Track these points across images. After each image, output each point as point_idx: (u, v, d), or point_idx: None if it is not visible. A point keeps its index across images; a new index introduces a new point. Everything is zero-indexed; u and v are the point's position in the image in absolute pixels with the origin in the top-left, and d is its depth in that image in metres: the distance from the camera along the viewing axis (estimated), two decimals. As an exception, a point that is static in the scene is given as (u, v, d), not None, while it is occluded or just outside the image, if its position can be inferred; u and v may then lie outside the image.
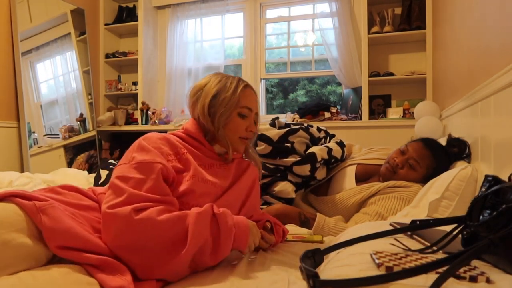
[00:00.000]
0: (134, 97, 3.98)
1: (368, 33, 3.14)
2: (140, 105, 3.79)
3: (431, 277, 0.56)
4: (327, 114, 3.28)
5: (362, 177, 1.71)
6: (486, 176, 0.75)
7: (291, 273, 0.92)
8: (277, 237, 1.16)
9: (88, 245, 0.84)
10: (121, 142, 3.99)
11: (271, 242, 1.12)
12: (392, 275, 0.55)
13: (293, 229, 1.39)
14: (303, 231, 1.40)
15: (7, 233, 0.77)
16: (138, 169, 0.96)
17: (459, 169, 1.32)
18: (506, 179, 0.72)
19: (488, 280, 0.58)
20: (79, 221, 0.89)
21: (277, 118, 1.89)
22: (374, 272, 0.63)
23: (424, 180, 1.54)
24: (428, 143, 1.62)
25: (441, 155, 1.59)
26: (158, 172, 0.95)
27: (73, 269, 0.80)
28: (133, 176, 0.94)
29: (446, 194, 1.27)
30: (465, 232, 0.71)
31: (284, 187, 1.63)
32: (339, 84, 3.61)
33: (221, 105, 1.10)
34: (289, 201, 1.64)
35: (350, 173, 1.72)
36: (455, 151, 1.58)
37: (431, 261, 0.57)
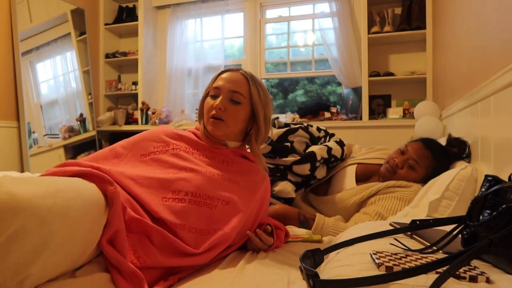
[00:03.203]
0: (134, 97, 3.98)
1: (368, 33, 3.14)
2: (140, 105, 3.79)
3: (431, 277, 0.56)
4: (327, 114, 3.28)
5: (362, 176, 1.71)
6: (486, 176, 0.75)
7: (291, 273, 0.92)
8: (278, 241, 1.15)
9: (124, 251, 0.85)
10: (121, 142, 3.98)
11: (268, 244, 1.12)
12: (392, 275, 0.55)
13: (292, 230, 1.39)
14: (302, 231, 1.40)
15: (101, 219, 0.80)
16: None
17: (459, 169, 1.32)
18: (506, 179, 0.72)
19: (488, 280, 0.58)
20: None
21: (277, 118, 1.89)
22: (374, 272, 0.63)
23: (424, 180, 1.54)
24: (428, 144, 1.62)
25: (441, 155, 1.59)
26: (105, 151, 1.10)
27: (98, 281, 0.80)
28: None
29: (446, 194, 1.27)
30: (465, 232, 0.71)
31: (284, 187, 1.63)
32: (339, 84, 3.61)
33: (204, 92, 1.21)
34: (289, 200, 1.64)
35: (350, 172, 1.72)
36: (455, 151, 1.58)
37: (431, 261, 0.57)
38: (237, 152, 1.18)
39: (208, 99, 1.15)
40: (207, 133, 1.15)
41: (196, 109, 1.89)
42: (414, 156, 1.58)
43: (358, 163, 1.75)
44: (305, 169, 1.64)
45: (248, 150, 1.23)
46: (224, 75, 1.16)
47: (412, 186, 1.53)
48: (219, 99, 1.12)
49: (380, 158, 1.77)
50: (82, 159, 1.05)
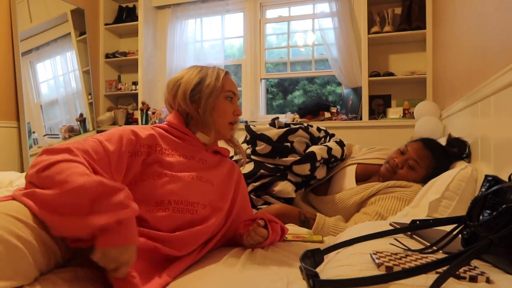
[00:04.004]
0: (134, 97, 3.98)
1: (368, 33, 3.14)
2: (140, 105, 3.79)
3: (431, 277, 0.56)
4: (327, 114, 3.28)
5: (362, 176, 1.71)
6: (486, 176, 0.75)
7: (291, 272, 0.92)
8: (274, 234, 1.15)
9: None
10: (121, 142, 3.98)
11: (263, 235, 1.11)
12: (392, 275, 0.55)
13: (293, 229, 1.39)
14: (303, 231, 1.40)
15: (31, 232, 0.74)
16: (87, 141, 0.93)
17: (459, 169, 1.32)
18: (506, 179, 0.72)
19: (488, 280, 0.58)
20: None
21: (277, 118, 1.89)
22: (374, 272, 0.63)
23: (424, 180, 1.54)
24: (428, 144, 1.62)
25: (441, 155, 1.59)
26: (99, 150, 0.92)
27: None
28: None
29: (446, 194, 1.27)
30: (465, 232, 0.71)
31: (284, 187, 1.63)
32: (339, 84, 3.61)
33: (206, 89, 1.14)
34: (289, 200, 1.64)
35: (350, 172, 1.72)
36: (455, 151, 1.58)
37: (431, 261, 0.57)
38: (212, 149, 1.21)
39: (226, 102, 1.17)
40: (221, 135, 1.18)
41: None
42: (414, 156, 1.58)
43: (358, 163, 1.75)
44: (305, 169, 1.64)
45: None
46: (230, 79, 1.20)
47: (412, 186, 1.53)
48: (237, 105, 1.19)
49: (380, 158, 1.77)
50: (75, 147, 0.87)
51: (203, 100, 1.13)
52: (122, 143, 0.97)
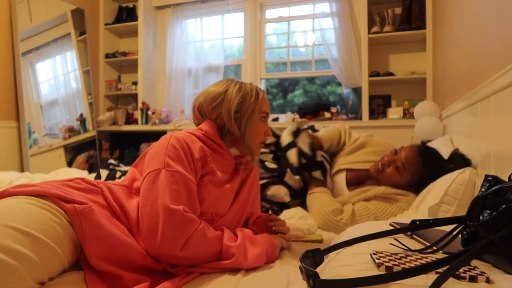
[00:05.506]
0: (134, 97, 3.98)
1: (368, 33, 3.14)
2: (140, 105, 3.79)
3: (431, 277, 0.56)
4: (327, 114, 3.28)
5: (355, 181, 1.68)
6: (486, 176, 0.75)
7: (291, 273, 0.92)
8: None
9: (129, 252, 0.86)
10: (121, 142, 3.98)
11: (288, 239, 1.21)
12: (392, 275, 0.55)
13: (292, 229, 1.39)
14: (302, 231, 1.39)
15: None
16: (177, 180, 0.96)
17: (457, 173, 1.29)
18: (506, 179, 0.72)
19: (488, 280, 0.58)
20: (115, 223, 0.89)
21: (277, 118, 1.87)
22: (374, 272, 0.63)
23: (407, 187, 1.52)
24: (423, 151, 1.56)
25: (433, 167, 1.50)
26: (194, 190, 0.99)
27: None
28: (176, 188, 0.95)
29: (445, 199, 1.26)
30: (465, 232, 0.71)
31: (277, 191, 1.60)
32: (339, 84, 3.61)
33: (247, 110, 1.13)
34: (283, 205, 1.61)
35: (340, 180, 1.69)
36: (451, 167, 1.47)
37: (431, 261, 0.57)
38: (237, 160, 1.22)
39: (260, 123, 1.17)
40: (245, 153, 1.19)
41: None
42: (403, 159, 1.53)
43: (347, 169, 1.72)
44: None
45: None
46: (265, 99, 1.20)
47: (408, 196, 1.50)
48: (267, 126, 1.21)
49: (369, 161, 1.72)
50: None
51: (244, 121, 1.13)
52: (191, 166, 1.02)
